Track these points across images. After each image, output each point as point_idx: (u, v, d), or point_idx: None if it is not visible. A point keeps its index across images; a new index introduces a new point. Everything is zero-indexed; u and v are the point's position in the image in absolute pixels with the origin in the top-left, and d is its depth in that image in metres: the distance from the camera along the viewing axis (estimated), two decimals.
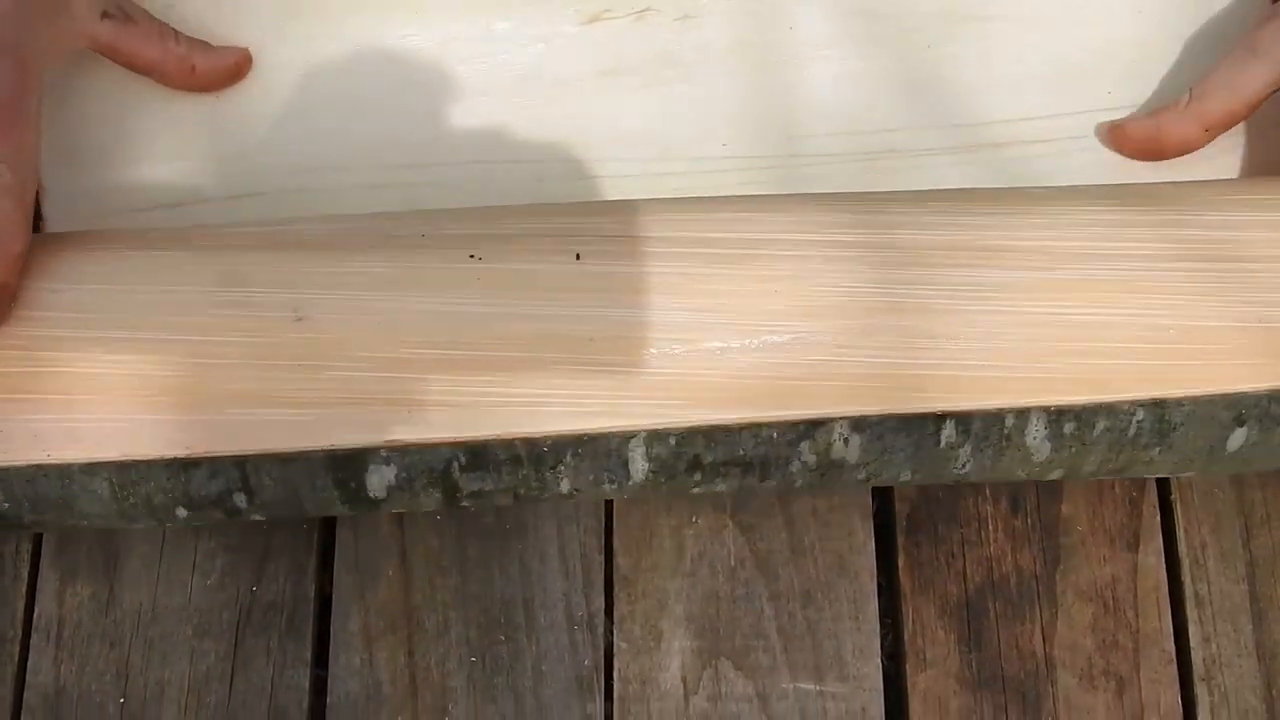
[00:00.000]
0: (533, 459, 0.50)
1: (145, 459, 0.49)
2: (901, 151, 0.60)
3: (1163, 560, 0.57)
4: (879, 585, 0.57)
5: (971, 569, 0.57)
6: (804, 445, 0.50)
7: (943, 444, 0.50)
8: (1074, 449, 0.51)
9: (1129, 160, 0.60)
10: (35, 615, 0.57)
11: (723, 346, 0.49)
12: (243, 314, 0.49)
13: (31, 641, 0.56)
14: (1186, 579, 0.57)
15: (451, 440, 0.49)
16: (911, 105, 0.61)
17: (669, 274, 0.49)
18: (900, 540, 0.57)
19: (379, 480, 0.50)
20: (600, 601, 0.57)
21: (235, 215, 0.59)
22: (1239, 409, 0.50)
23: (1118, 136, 0.59)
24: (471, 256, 0.49)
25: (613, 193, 0.59)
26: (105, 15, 0.55)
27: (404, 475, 0.50)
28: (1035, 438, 0.50)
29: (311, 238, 0.51)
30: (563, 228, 0.51)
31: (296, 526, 0.57)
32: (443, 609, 0.57)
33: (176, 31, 0.58)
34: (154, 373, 0.48)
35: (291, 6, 0.60)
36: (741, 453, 0.50)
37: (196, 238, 0.51)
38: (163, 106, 0.59)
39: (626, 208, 0.51)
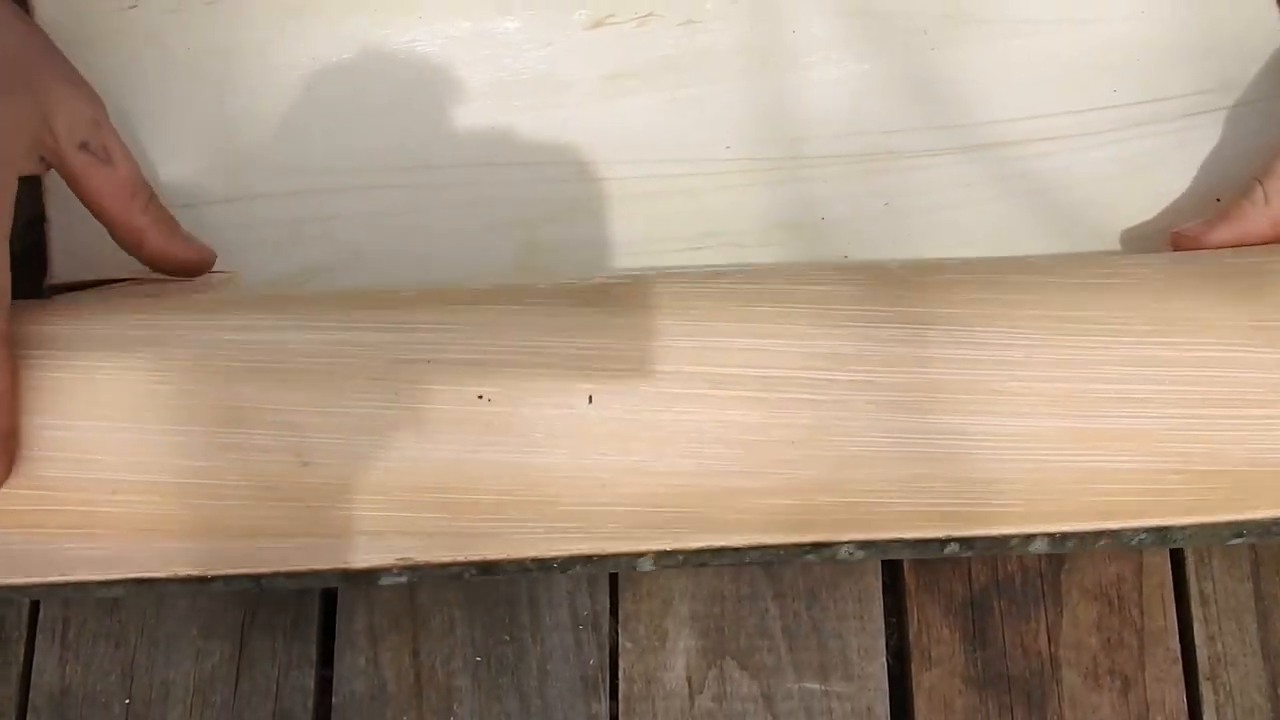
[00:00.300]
0: (543, 567, 0.52)
1: (162, 577, 0.51)
2: (906, 152, 0.61)
3: (1168, 559, 0.57)
4: (884, 584, 0.57)
5: (976, 568, 0.56)
6: (810, 554, 0.53)
7: (946, 552, 0.53)
8: (1074, 551, 0.55)
9: (1139, 158, 0.60)
10: (40, 615, 0.57)
11: (737, 487, 0.50)
12: (249, 458, 0.49)
13: (37, 641, 0.56)
14: (1191, 577, 0.56)
15: (463, 560, 0.51)
16: (916, 106, 0.61)
17: (684, 417, 0.49)
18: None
19: (392, 581, 0.53)
20: (605, 601, 0.57)
21: (236, 216, 0.59)
22: (1240, 528, 0.53)
23: (1190, 244, 0.57)
24: (480, 397, 0.49)
25: (615, 195, 0.60)
26: (83, 147, 0.53)
27: (415, 579, 0.53)
28: (1038, 547, 0.54)
29: (313, 364, 0.49)
30: (575, 353, 0.49)
31: None
32: (448, 608, 0.57)
33: (151, 196, 0.55)
34: (164, 511, 0.49)
35: (294, 7, 0.61)
36: (748, 560, 0.54)
37: (190, 334, 0.50)
38: (163, 109, 0.60)
39: (641, 329, 0.50)
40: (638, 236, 0.59)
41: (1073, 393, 0.50)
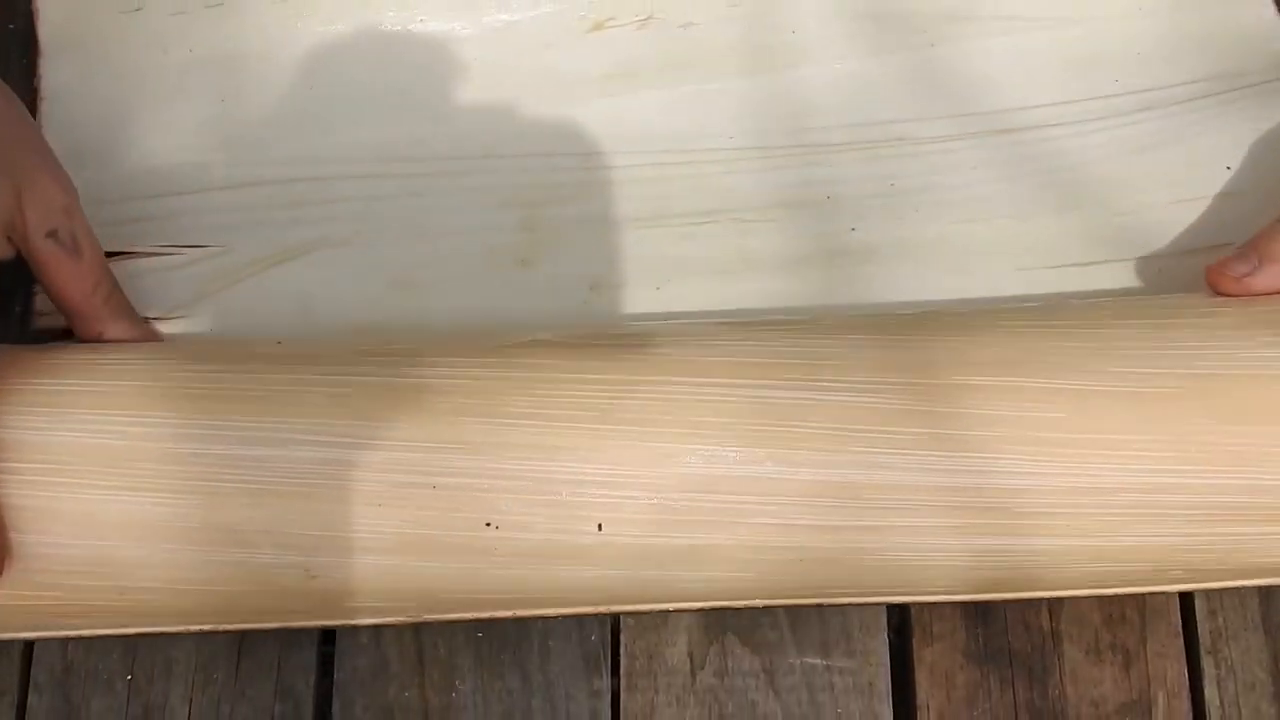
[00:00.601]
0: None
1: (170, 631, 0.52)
2: (911, 139, 0.62)
3: None
4: None
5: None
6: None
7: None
8: None
9: (1147, 137, 0.61)
10: None
11: (741, 604, 0.53)
12: (256, 571, 0.49)
13: (34, 650, 0.56)
14: None
15: (468, 619, 0.53)
16: (918, 97, 0.63)
17: (691, 544, 0.49)
18: None
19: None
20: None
21: (233, 204, 0.60)
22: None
23: (1231, 286, 0.54)
24: (488, 525, 0.49)
25: (616, 180, 0.61)
26: (52, 234, 0.52)
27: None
28: None
29: (316, 487, 0.48)
30: (583, 477, 0.48)
31: None
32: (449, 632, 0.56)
33: (113, 286, 0.55)
34: (172, 603, 0.50)
35: (294, 11, 0.62)
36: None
37: (186, 448, 0.49)
38: (165, 107, 0.61)
39: (653, 450, 0.49)
40: (638, 214, 0.60)
41: (1089, 520, 0.49)
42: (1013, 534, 0.49)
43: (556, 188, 0.61)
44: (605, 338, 0.52)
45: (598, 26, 0.63)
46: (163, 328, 0.57)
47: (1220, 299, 0.53)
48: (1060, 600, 0.56)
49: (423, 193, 0.61)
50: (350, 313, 0.58)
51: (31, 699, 0.55)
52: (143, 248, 0.58)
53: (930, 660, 0.55)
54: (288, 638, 0.55)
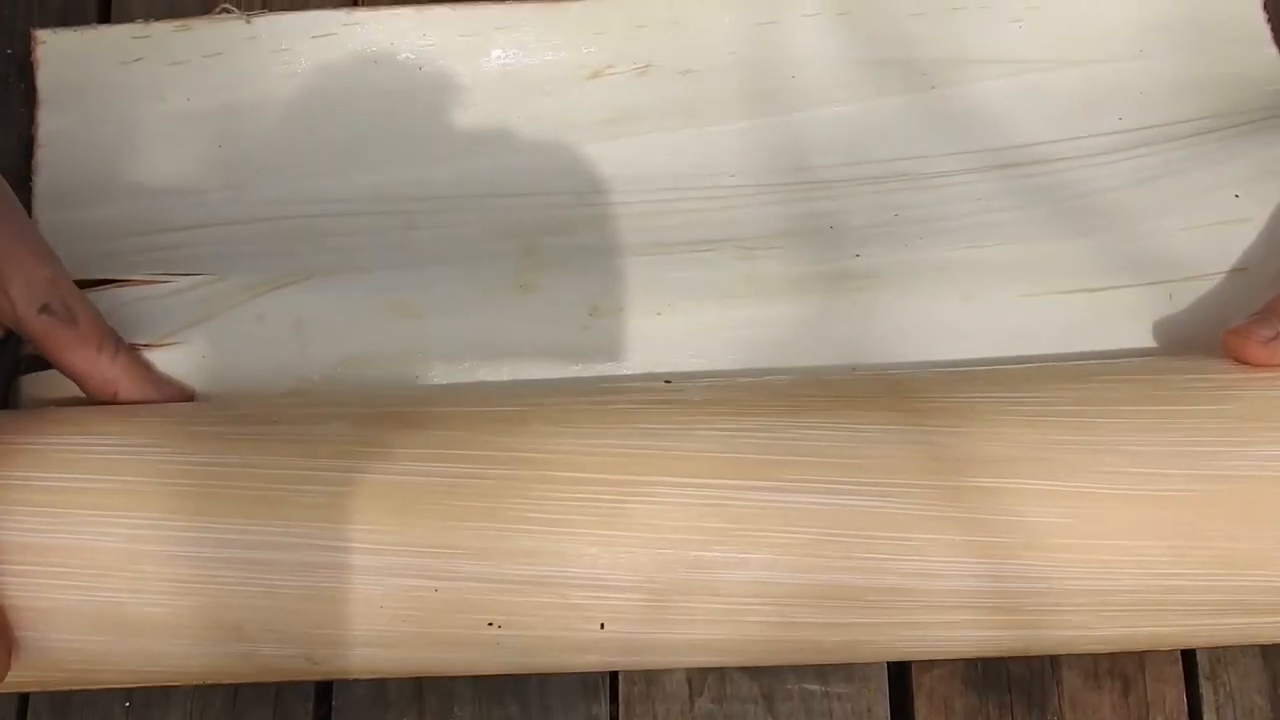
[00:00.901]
0: None
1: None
2: (915, 174, 0.62)
3: None
4: None
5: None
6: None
7: None
8: None
9: (1153, 169, 0.61)
10: None
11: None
12: (259, 660, 0.50)
13: None
14: None
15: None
16: (921, 135, 0.63)
17: (692, 638, 0.50)
18: None
19: None
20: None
21: (227, 236, 0.61)
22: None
23: (1256, 354, 0.52)
24: (491, 624, 0.49)
25: (617, 215, 0.61)
26: (45, 309, 0.52)
27: None
28: None
29: (317, 590, 0.48)
30: (586, 578, 0.48)
31: None
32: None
33: (118, 343, 0.54)
34: (178, 679, 0.52)
35: (291, 61, 0.63)
36: None
37: (184, 551, 0.48)
38: (162, 154, 0.62)
39: (651, 558, 0.48)
40: (639, 242, 0.60)
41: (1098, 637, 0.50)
42: (1018, 628, 0.50)
43: (556, 221, 0.61)
44: (612, 413, 0.51)
45: (596, 74, 0.64)
46: (155, 354, 0.56)
47: (1237, 376, 0.52)
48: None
49: (420, 226, 0.61)
50: (344, 339, 0.58)
51: None
52: (135, 276, 0.59)
53: (929, 686, 0.55)
54: None
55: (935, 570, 0.48)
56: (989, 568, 0.48)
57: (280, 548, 0.48)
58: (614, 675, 0.55)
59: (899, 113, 0.64)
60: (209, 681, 0.53)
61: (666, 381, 0.54)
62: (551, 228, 0.61)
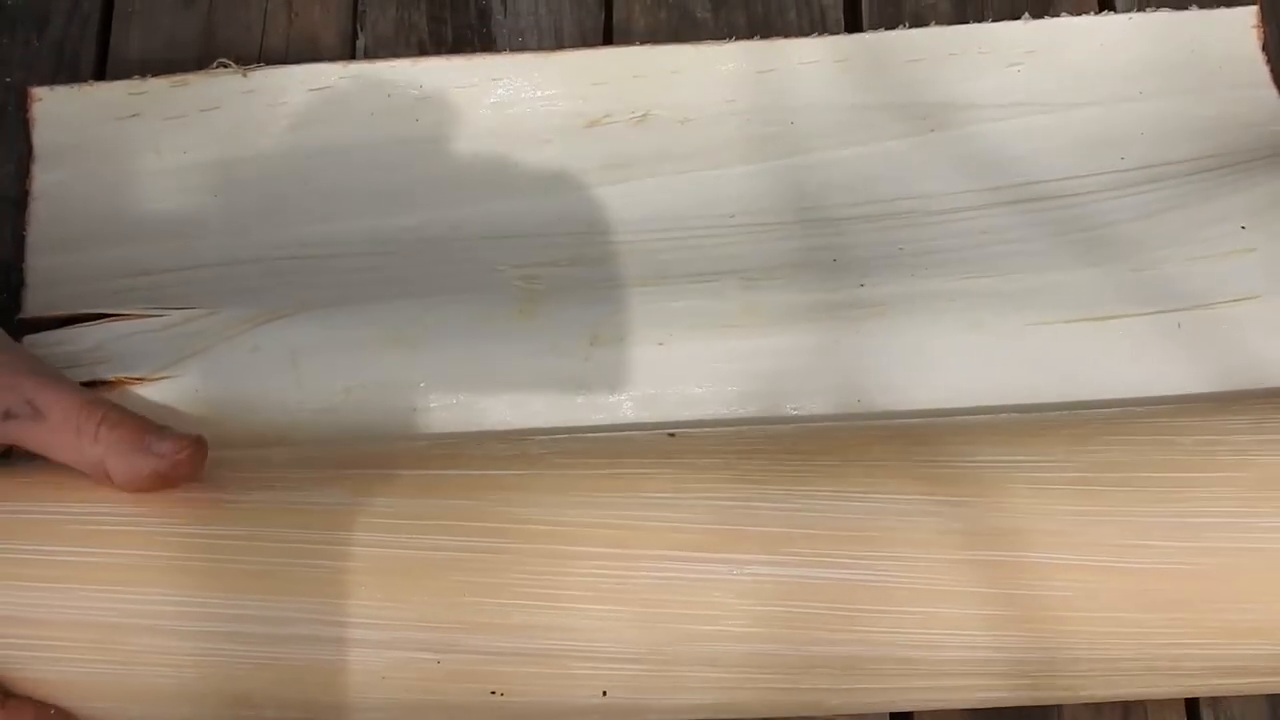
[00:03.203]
0: None
1: None
2: (919, 211, 0.62)
3: None
4: None
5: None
6: None
7: None
8: None
9: (1159, 203, 0.61)
10: None
11: None
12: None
13: None
14: None
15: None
16: (923, 175, 0.63)
17: (696, 703, 0.50)
18: None
19: None
20: None
21: (222, 275, 0.61)
22: None
23: None
24: (493, 693, 0.49)
25: (618, 253, 0.61)
26: (8, 415, 0.49)
27: None
28: None
29: (320, 661, 0.48)
30: (589, 648, 0.48)
31: None
32: None
33: (102, 419, 0.49)
34: None
35: (289, 116, 0.64)
36: None
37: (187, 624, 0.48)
38: (157, 206, 0.62)
39: (654, 632, 0.48)
40: (641, 275, 0.60)
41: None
42: (1018, 690, 0.50)
43: (556, 255, 0.61)
44: (616, 480, 0.51)
45: (594, 123, 0.64)
46: (149, 388, 0.56)
47: (1252, 439, 0.51)
48: None
49: (418, 262, 0.61)
50: (341, 370, 0.57)
51: None
52: (128, 310, 0.58)
53: (929, 712, 0.55)
54: None
55: (937, 642, 0.48)
56: (989, 639, 0.48)
57: (282, 623, 0.48)
58: None
59: (900, 155, 0.63)
60: None
61: (670, 435, 0.54)
62: (551, 260, 0.61)
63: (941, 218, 0.62)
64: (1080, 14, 0.66)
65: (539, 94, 0.64)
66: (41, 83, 0.64)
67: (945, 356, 0.58)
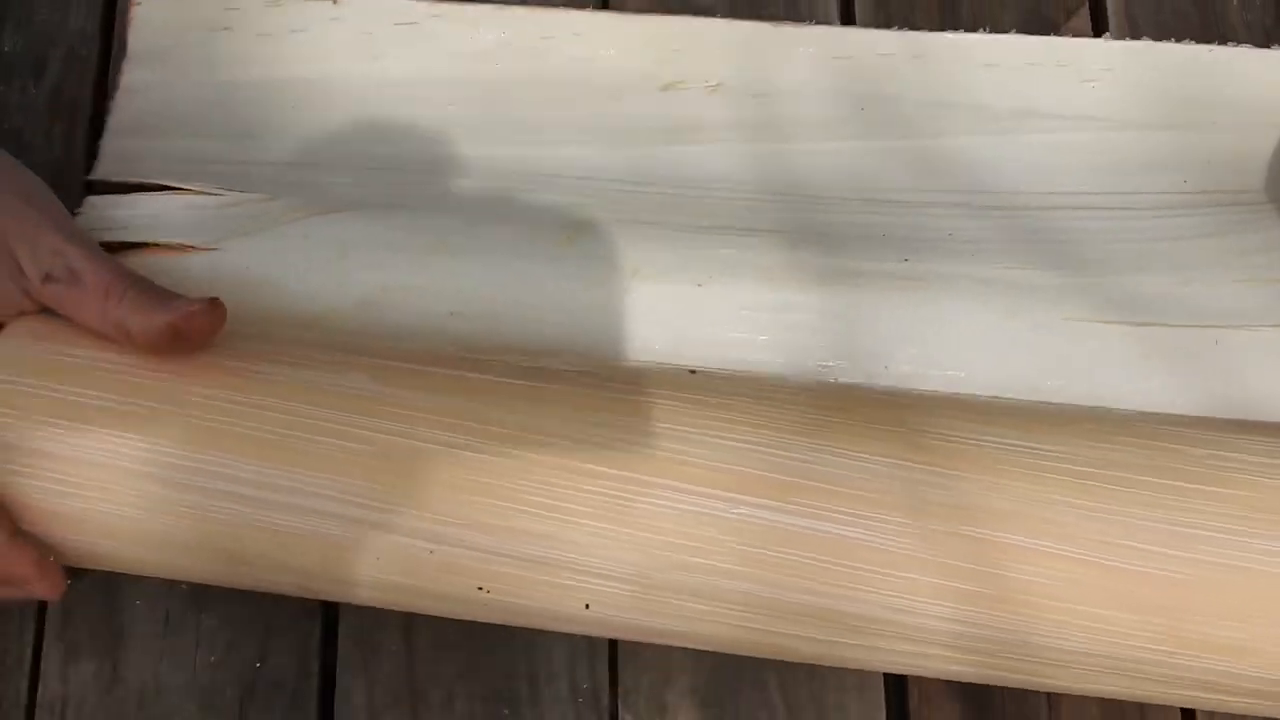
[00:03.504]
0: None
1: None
2: (972, 205, 0.63)
3: None
4: None
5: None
6: None
7: None
8: None
9: (1152, 228, 0.62)
10: (39, 693, 0.57)
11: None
12: (251, 578, 0.53)
13: (36, 716, 0.57)
14: None
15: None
16: (981, 172, 0.64)
17: (677, 629, 0.52)
18: None
19: None
20: (605, 673, 0.57)
21: (283, 173, 0.63)
22: None
23: None
24: (480, 589, 0.51)
25: (674, 204, 0.63)
26: (48, 278, 0.52)
27: None
28: None
29: (320, 533, 0.50)
30: (576, 560, 0.50)
31: (299, 601, 0.57)
32: (447, 683, 0.57)
33: (128, 287, 0.52)
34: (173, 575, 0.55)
35: (374, 43, 0.66)
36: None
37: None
38: (229, 108, 0.65)
39: (647, 558, 0.50)
40: (691, 222, 0.62)
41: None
42: (994, 669, 0.51)
43: (611, 200, 0.62)
44: (632, 406, 0.52)
45: (668, 87, 0.65)
46: (199, 257, 0.58)
47: (1262, 461, 0.51)
48: (1060, 698, 0.56)
49: (476, 189, 0.63)
50: (384, 268, 0.59)
51: None
52: (191, 186, 0.61)
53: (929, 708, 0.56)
54: None
55: (917, 608, 0.49)
56: (968, 614, 0.49)
57: (285, 491, 0.50)
58: None
59: (963, 151, 0.65)
60: (208, 583, 0.54)
61: (692, 372, 0.55)
62: (606, 201, 0.62)
63: (996, 213, 0.63)
64: (1163, 39, 0.67)
65: (617, 52, 0.66)
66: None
67: (978, 336, 0.58)
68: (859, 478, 0.50)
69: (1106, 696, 0.52)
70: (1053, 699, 0.56)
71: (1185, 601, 0.48)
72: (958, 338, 0.58)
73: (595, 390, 0.52)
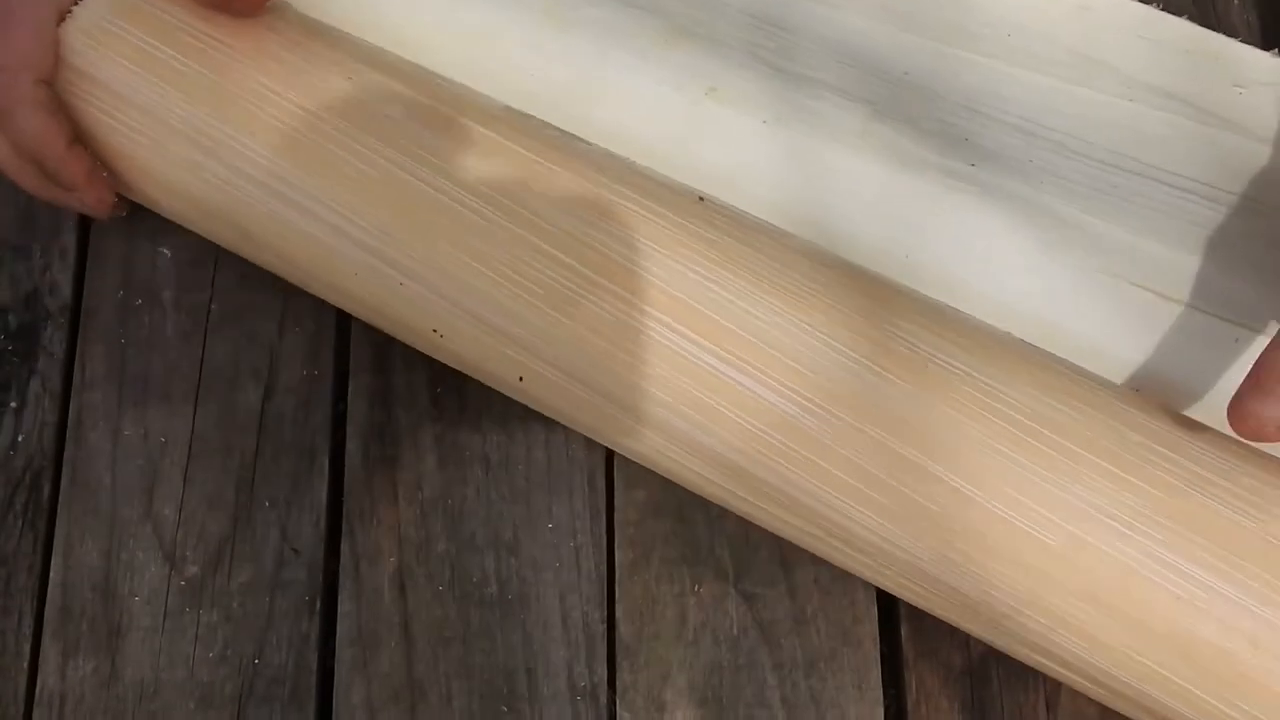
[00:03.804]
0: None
1: None
2: (1066, 149, 0.61)
3: None
4: (882, 654, 0.57)
5: (975, 638, 0.55)
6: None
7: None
8: None
9: (1164, 208, 0.60)
10: (38, 690, 0.57)
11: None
12: (251, 249, 0.58)
13: (34, 716, 0.57)
14: None
15: None
16: (1089, 127, 0.62)
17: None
18: (903, 609, 0.57)
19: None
20: (603, 671, 0.57)
21: None
22: None
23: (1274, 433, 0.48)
24: (434, 331, 0.54)
25: (783, 58, 0.63)
26: None
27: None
28: None
29: (309, 237, 0.54)
30: (520, 339, 0.53)
31: (298, 598, 0.58)
32: (445, 679, 0.57)
33: None
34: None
35: None
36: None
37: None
38: None
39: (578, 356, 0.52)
40: (786, 70, 0.62)
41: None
42: (914, 592, 0.52)
43: (723, 27, 0.63)
44: (639, 222, 0.53)
45: None
46: None
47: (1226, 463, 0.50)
48: (1057, 694, 0.56)
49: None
50: (471, 7, 0.63)
51: None
52: None
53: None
54: None
55: (854, 516, 0.50)
56: (891, 532, 0.50)
57: (289, 186, 0.54)
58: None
59: (1087, 103, 0.62)
60: (224, 246, 0.60)
61: (700, 199, 0.55)
62: (714, 25, 0.63)
63: (1085, 161, 0.61)
64: None
65: None
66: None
67: (1005, 256, 0.59)
68: (820, 361, 0.50)
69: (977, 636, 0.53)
70: (1051, 699, 0.56)
71: (1055, 571, 0.48)
72: (984, 253, 0.59)
73: (617, 200, 0.53)
